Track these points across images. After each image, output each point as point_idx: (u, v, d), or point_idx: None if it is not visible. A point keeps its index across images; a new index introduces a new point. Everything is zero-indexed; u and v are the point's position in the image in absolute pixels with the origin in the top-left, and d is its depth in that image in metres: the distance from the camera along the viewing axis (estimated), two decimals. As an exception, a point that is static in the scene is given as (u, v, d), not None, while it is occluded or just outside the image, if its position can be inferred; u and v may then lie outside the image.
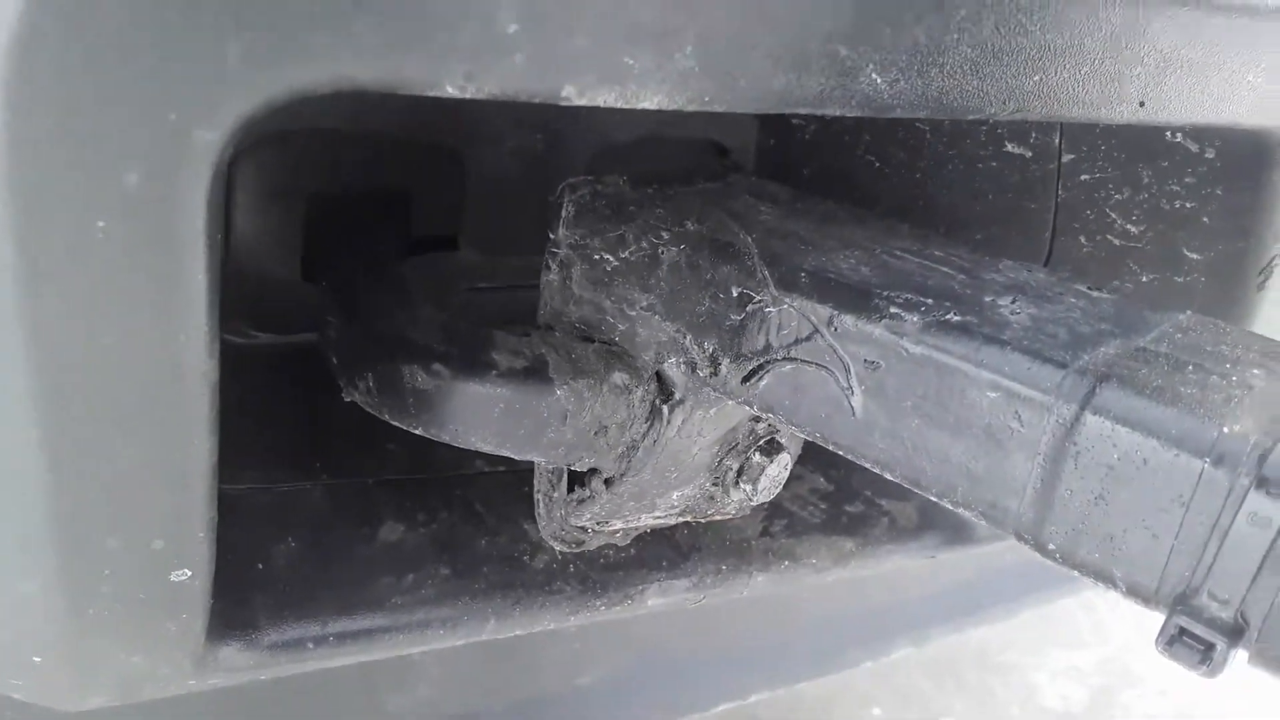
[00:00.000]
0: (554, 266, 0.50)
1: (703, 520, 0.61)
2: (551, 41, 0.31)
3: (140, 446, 0.35)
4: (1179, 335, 0.42)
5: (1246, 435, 0.34)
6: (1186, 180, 0.53)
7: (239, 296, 0.61)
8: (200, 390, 0.35)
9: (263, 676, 0.56)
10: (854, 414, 0.42)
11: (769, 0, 0.33)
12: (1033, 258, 0.61)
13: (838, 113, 0.37)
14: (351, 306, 0.53)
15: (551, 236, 0.50)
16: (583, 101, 0.33)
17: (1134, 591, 0.36)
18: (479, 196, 0.62)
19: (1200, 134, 0.50)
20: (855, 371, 0.42)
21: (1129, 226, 0.56)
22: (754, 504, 0.57)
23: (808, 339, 0.43)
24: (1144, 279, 0.58)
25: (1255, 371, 0.39)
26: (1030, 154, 0.57)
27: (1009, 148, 0.57)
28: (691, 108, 0.35)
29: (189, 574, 0.41)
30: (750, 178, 0.57)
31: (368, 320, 0.52)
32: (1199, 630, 0.34)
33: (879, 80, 0.36)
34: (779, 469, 0.54)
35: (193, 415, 0.35)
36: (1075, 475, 0.37)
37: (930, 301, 0.42)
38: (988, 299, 0.43)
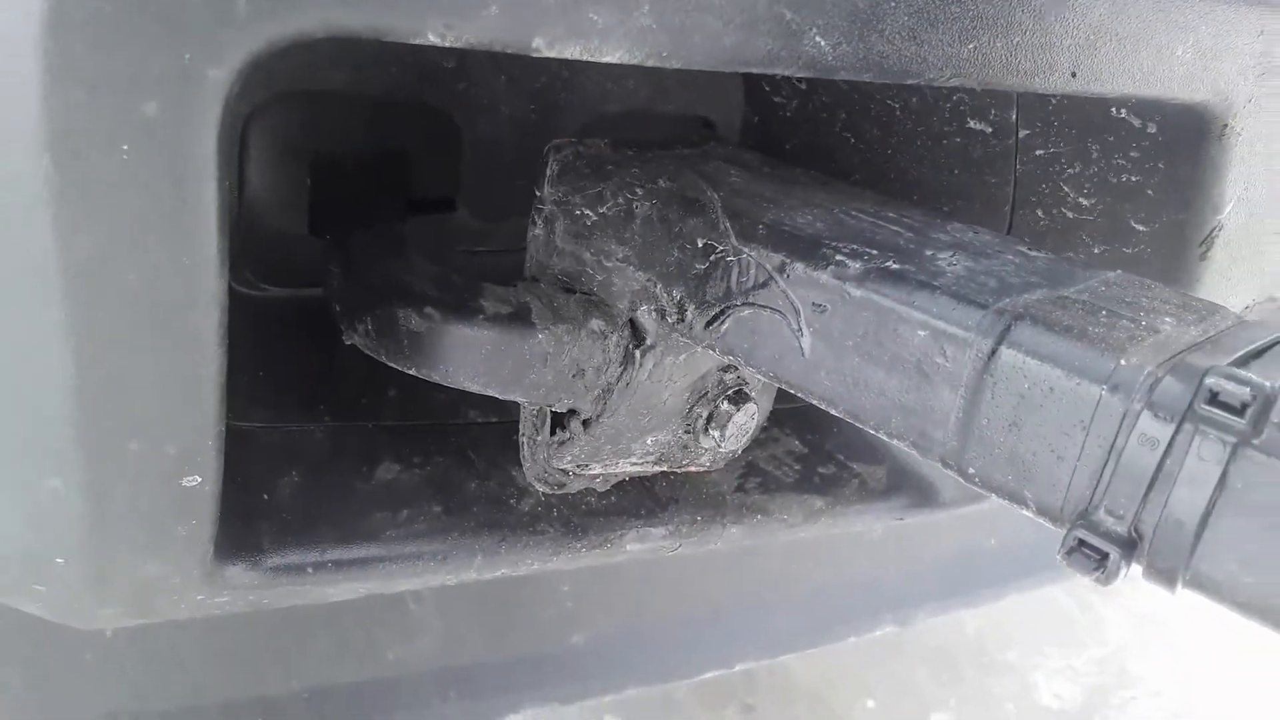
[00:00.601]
0: (539, 222, 0.55)
1: (679, 470, 0.65)
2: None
3: (158, 357, 0.40)
4: (1102, 288, 0.45)
5: (1141, 366, 0.37)
6: (1131, 154, 0.56)
7: (251, 251, 0.66)
8: (211, 307, 0.39)
9: (265, 600, 0.60)
10: (803, 354, 0.46)
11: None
12: (994, 229, 0.64)
13: (786, 73, 0.41)
14: (353, 258, 0.58)
15: (537, 194, 0.54)
16: (551, 53, 0.37)
17: (1042, 510, 0.40)
18: (475, 165, 0.66)
19: (1142, 109, 0.54)
20: (805, 315, 0.46)
21: (1081, 199, 0.59)
22: (723, 453, 0.61)
23: (764, 285, 0.47)
24: (1096, 250, 0.61)
25: (1167, 320, 0.42)
26: (990, 130, 0.60)
27: (971, 124, 0.61)
28: (650, 63, 0.39)
29: (199, 480, 0.45)
30: (728, 146, 0.61)
31: (367, 269, 0.56)
32: (1095, 542, 0.38)
33: (823, 43, 0.40)
34: (746, 417, 0.58)
35: (204, 330, 0.40)
36: (992, 404, 0.41)
37: (874, 252, 0.46)
38: (928, 253, 0.47)
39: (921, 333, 0.42)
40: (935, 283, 0.43)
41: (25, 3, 0.31)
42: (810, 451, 0.74)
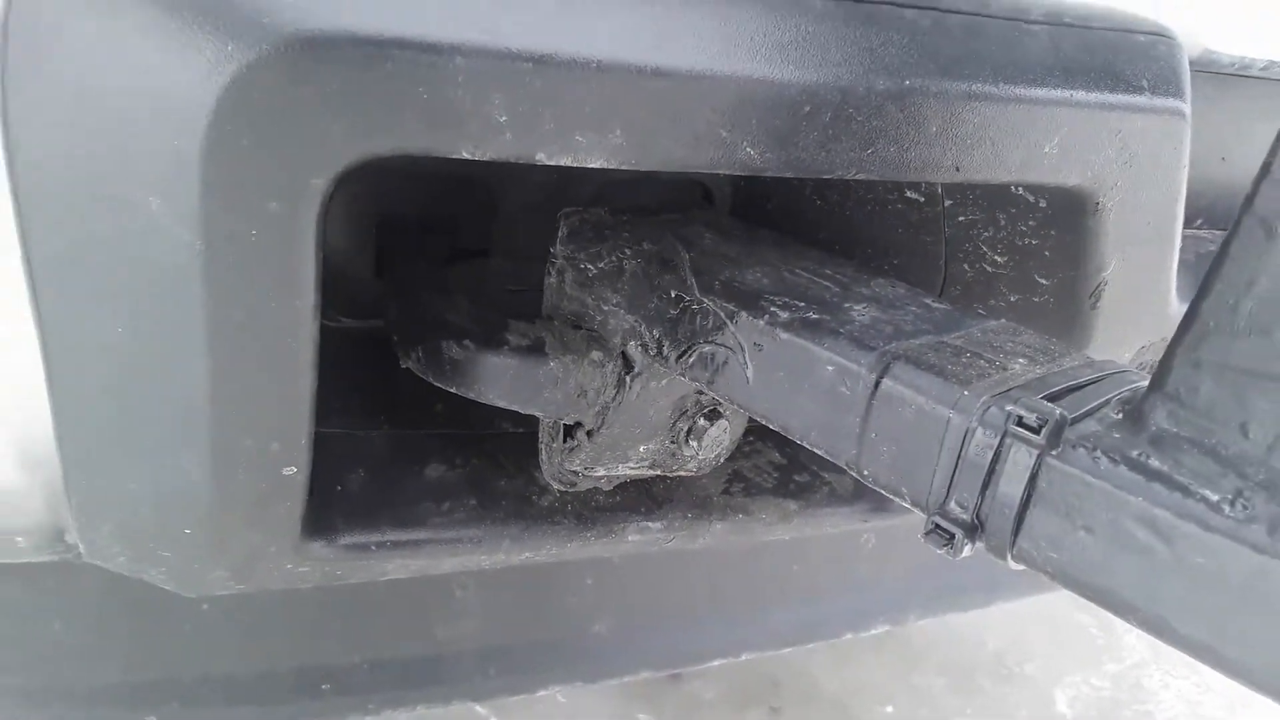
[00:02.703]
0: (553, 273, 0.70)
1: (670, 474, 0.79)
2: (528, 126, 0.50)
3: (269, 376, 0.55)
4: (978, 334, 0.59)
5: (978, 396, 0.51)
6: (1030, 223, 0.69)
7: (330, 290, 0.82)
8: (308, 341, 0.54)
9: (338, 573, 0.75)
10: (748, 382, 0.60)
11: (671, 100, 0.52)
12: (933, 280, 0.78)
13: (726, 172, 0.55)
14: (408, 298, 0.73)
15: (551, 251, 0.69)
16: (551, 163, 0.52)
17: (915, 503, 0.54)
18: (508, 223, 0.81)
19: (1032, 188, 0.67)
20: (748, 352, 0.60)
21: (996, 257, 0.73)
22: (704, 460, 0.76)
23: (719, 329, 0.61)
24: (1012, 299, 0.74)
25: (1019, 360, 0.56)
26: (923, 199, 0.74)
27: (908, 194, 0.74)
28: (623, 168, 0.53)
29: (295, 470, 0.60)
30: (709, 211, 0.76)
31: (418, 307, 0.72)
32: (947, 526, 0.51)
33: (752, 152, 0.55)
34: (719, 431, 0.72)
35: (302, 357, 0.55)
36: (878, 423, 0.54)
37: (802, 304, 0.60)
38: (846, 305, 0.61)
39: (829, 368, 0.56)
40: (842, 330, 0.57)
41: (190, 139, 0.46)
42: (788, 462, 0.88)
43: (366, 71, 0.46)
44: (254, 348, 0.53)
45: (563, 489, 0.76)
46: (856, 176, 0.57)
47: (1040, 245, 0.70)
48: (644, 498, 0.81)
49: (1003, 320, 0.62)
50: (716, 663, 1.26)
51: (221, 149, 0.46)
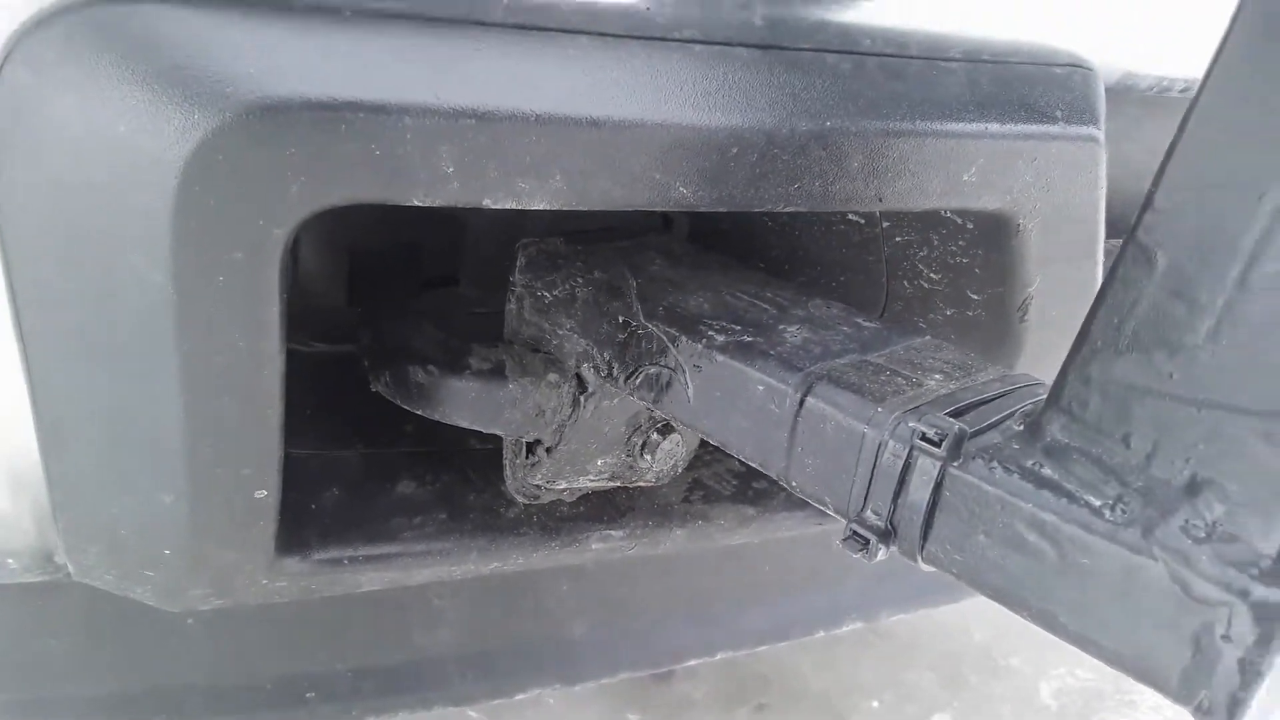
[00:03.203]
0: (512, 300, 0.74)
1: (630, 485, 0.83)
2: (473, 176, 0.54)
3: (238, 405, 0.59)
4: (901, 352, 0.63)
5: (890, 412, 0.55)
6: (960, 243, 0.74)
7: (304, 318, 0.86)
8: (274, 371, 0.59)
9: (313, 587, 0.79)
10: (690, 401, 0.65)
11: (606, 147, 0.56)
12: (876, 296, 0.82)
13: (662, 209, 0.60)
14: (378, 325, 0.78)
15: (511, 280, 0.74)
16: (496, 206, 0.56)
17: (837, 510, 0.58)
18: (475, 251, 0.85)
19: (959, 213, 0.72)
20: (689, 373, 0.64)
21: (931, 275, 0.77)
22: (660, 471, 0.80)
23: (663, 352, 0.65)
24: (948, 313, 0.79)
25: (935, 377, 0.60)
26: (863, 221, 0.78)
27: (850, 216, 0.79)
28: (565, 209, 0.58)
29: (266, 492, 0.64)
30: (663, 236, 0.80)
31: (387, 334, 0.76)
32: (863, 532, 0.56)
33: (685, 191, 0.59)
34: (672, 445, 0.77)
35: (269, 386, 0.59)
36: (803, 438, 0.58)
37: (738, 328, 0.64)
38: (781, 327, 0.65)
39: (760, 388, 0.60)
40: (773, 351, 0.61)
41: (162, 198, 0.50)
42: (746, 470, 0.92)
43: (321, 133, 0.50)
44: (224, 382, 0.57)
45: (527, 502, 0.81)
46: (785, 209, 0.62)
47: (970, 264, 0.74)
48: (607, 507, 0.86)
49: (928, 337, 0.66)
50: (693, 662, 1.30)
51: (190, 206, 0.50)
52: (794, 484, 0.60)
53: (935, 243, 0.75)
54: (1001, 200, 0.68)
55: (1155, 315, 0.49)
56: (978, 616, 2.24)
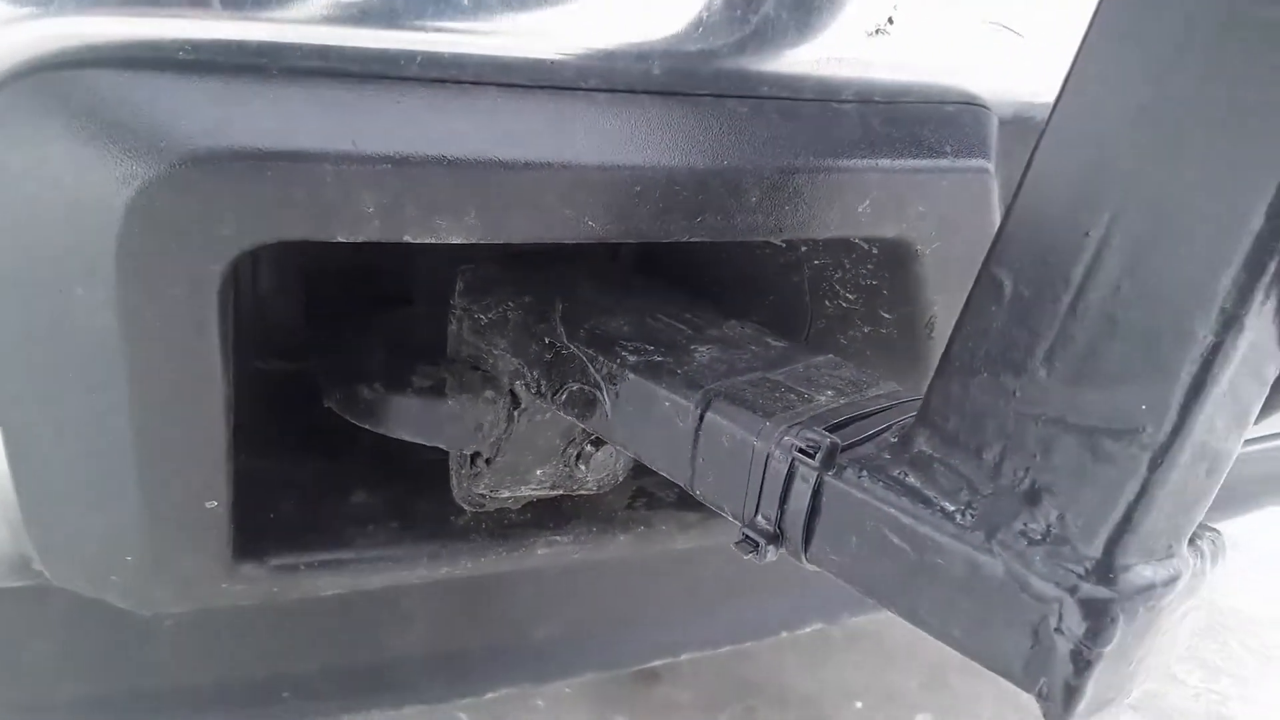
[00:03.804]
0: (453, 321, 0.79)
1: (573, 493, 0.88)
2: (392, 215, 0.60)
3: (186, 429, 0.65)
4: (800, 370, 0.68)
5: (776, 426, 0.60)
6: (869, 266, 0.79)
7: (262, 337, 0.92)
8: (217, 395, 0.64)
9: (273, 590, 0.85)
10: (608, 417, 0.70)
11: (515, 187, 0.62)
12: (802, 315, 0.88)
13: (573, 241, 0.65)
14: (330, 344, 0.83)
15: (451, 303, 0.79)
16: (415, 242, 0.62)
17: (734, 516, 0.63)
18: (428, 271, 0.91)
19: (863, 239, 0.77)
20: (606, 390, 0.69)
21: (848, 295, 0.82)
22: (596, 480, 0.85)
23: (584, 370, 0.71)
24: (865, 331, 0.84)
25: (827, 393, 0.65)
26: (784, 245, 0.84)
27: (774, 240, 0.84)
28: (480, 242, 0.63)
29: (216, 503, 0.70)
30: (598, 260, 0.86)
31: (339, 353, 0.82)
32: (754, 535, 0.61)
33: (593, 224, 0.64)
34: (605, 455, 0.82)
35: (214, 408, 0.65)
36: (705, 451, 0.64)
37: (651, 348, 0.70)
38: (692, 346, 0.70)
39: (667, 404, 0.66)
40: (679, 370, 0.67)
41: (107, 239, 0.56)
42: (688, 479, 0.97)
43: (248, 179, 0.56)
44: (170, 403, 0.63)
45: (474, 510, 0.86)
46: (690, 239, 0.67)
47: (880, 285, 0.79)
48: (552, 514, 0.91)
49: (830, 356, 0.71)
50: (657, 662, 1.35)
51: (131, 246, 0.56)
52: (699, 492, 0.65)
53: (848, 266, 0.80)
54: (898, 228, 0.73)
55: (1003, 340, 0.55)
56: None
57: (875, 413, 0.63)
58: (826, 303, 0.84)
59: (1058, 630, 0.50)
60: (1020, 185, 0.55)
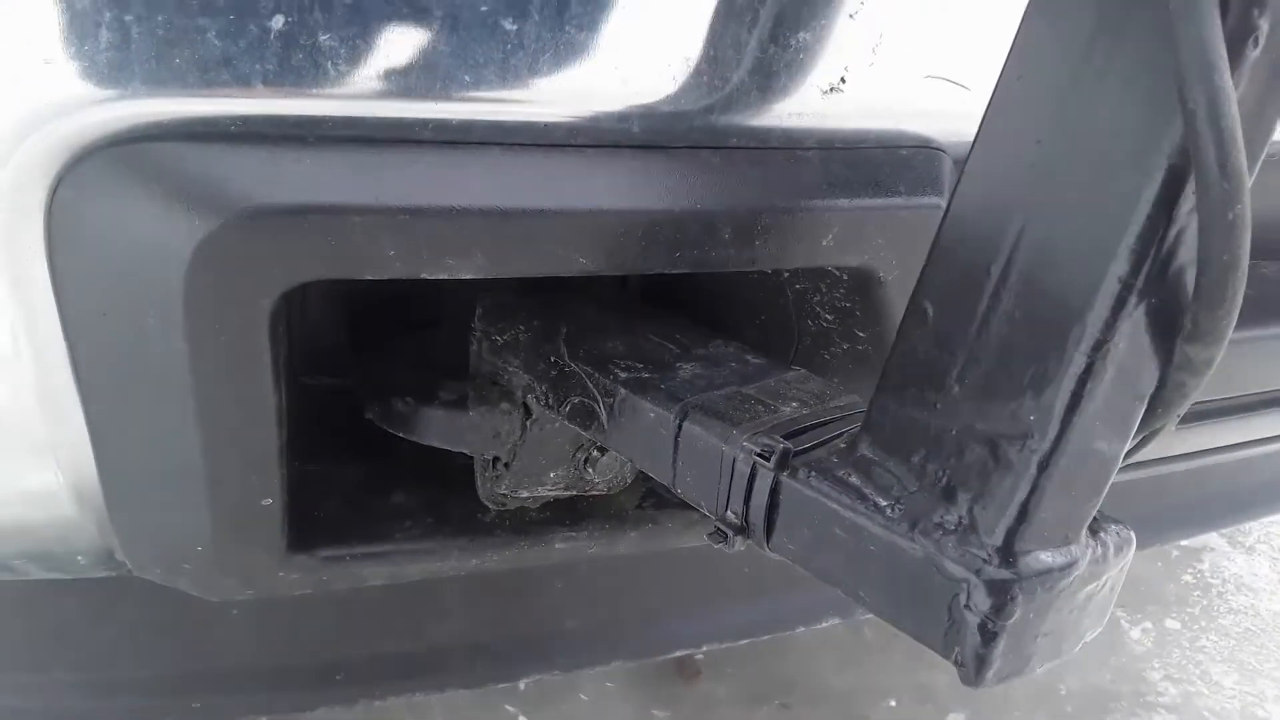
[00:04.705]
0: (473, 342, 0.90)
1: (585, 493, 0.99)
2: (410, 256, 0.71)
3: (244, 436, 0.76)
4: (772, 384, 0.78)
5: (743, 435, 0.70)
6: (842, 290, 0.88)
7: (313, 357, 1.04)
8: (270, 407, 0.75)
9: (322, 578, 0.96)
10: (604, 426, 0.80)
11: (514, 230, 0.72)
12: (789, 335, 0.97)
13: (564, 275, 0.75)
14: (369, 363, 0.95)
15: (472, 326, 0.90)
16: (430, 278, 0.72)
17: (710, 512, 0.73)
18: (454, 299, 1.02)
19: (834, 267, 0.86)
20: (603, 403, 0.80)
21: (826, 316, 0.92)
22: (605, 481, 0.95)
23: (583, 386, 0.81)
24: (844, 348, 0.93)
25: (792, 405, 0.75)
26: (769, 271, 0.93)
27: (747, 270, 0.93)
28: (486, 277, 0.74)
29: (271, 501, 0.82)
30: (606, 287, 0.96)
31: (376, 371, 0.93)
32: (723, 528, 0.70)
33: (584, 260, 0.74)
34: (610, 459, 0.92)
35: (268, 421, 0.76)
36: (683, 455, 0.73)
37: (641, 366, 0.80)
38: (677, 364, 0.80)
39: (652, 415, 0.76)
40: (663, 386, 0.77)
41: (176, 279, 0.68)
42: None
43: (291, 230, 0.67)
44: (231, 416, 0.74)
45: (497, 508, 0.97)
46: (672, 271, 0.77)
47: (853, 307, 0.88)
48: (569, 512, 1.01)
49: (800, 371, 0.81)
50: (679, 653, 1.45)
51: (196, 285, 0.67)
52: (680, 491, 0.75)
53: (825, 290, 0.89)
54: (859, 259, 0.81)
55: (926, 361, 0.64)
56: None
57: (830, 422, 0.72)
58: (809, 322, 0.94)
59: (967, 607, 0.59)
60: (940, 225, 0.64)
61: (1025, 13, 0.59)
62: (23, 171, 0.66)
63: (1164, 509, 1.84)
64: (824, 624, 1.54)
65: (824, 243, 0.79)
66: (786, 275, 0.91)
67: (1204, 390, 1.14)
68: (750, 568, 1.44)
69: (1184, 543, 2.76)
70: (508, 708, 1.84)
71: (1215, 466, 1.62)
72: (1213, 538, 2.82)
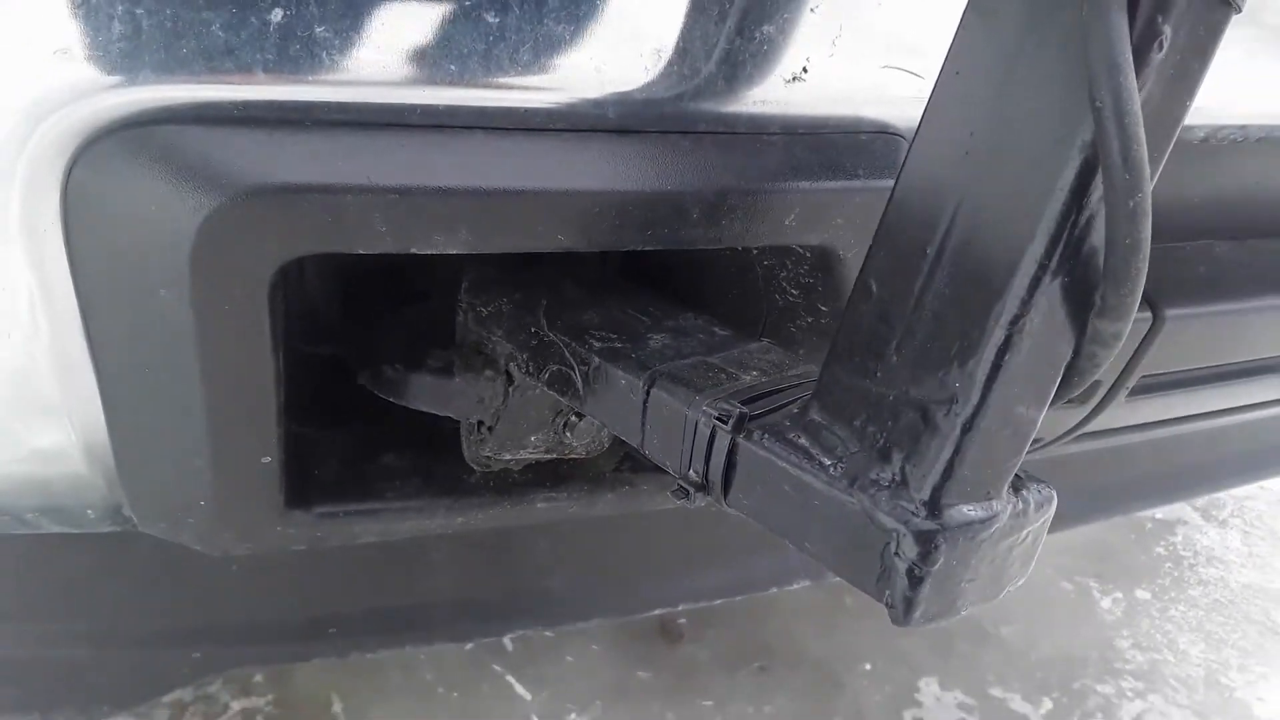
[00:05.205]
0: (460, 313, 0.96)
1: (564, 456, 1.05)
2: (400, 232, 0.76)
3: (244, 398, 0.82)
4: (735, 354, 0.84)
5: (704, 400, 0.76)
6: (805, 267, 0.94)
7: (310, 326, 1.10)
8: (269, 371, 0.81)
9: (317, 534, 1.02)
10: (580, 392, 0.86)
11: (497, 209, 0.78)
12: (759, 309, 1.03)
13: (544, 250, 0.81)
14: (363, 332, 1.01)
15: (459, 297, 0.96)
16: (420, 253, 0.78)
17: (674, 471, 0.79)
18: (443, 271, 1.08)
19: (798, 245, 0.92)
20: (579, 371, 0.86)
21: (792, 291, 0.98)
22: (584, 445, 1.02)
23: (561, 354, 0.87)
24: (809, 321, 0.99)
25: (753, 373, 0.81)
26: (739, 248, 0.99)
27: (715, 248, 0.98)
28: (472, 252, 0.79)
29: (269, 459, 0.88)
30: (584, 264, 1.02)
31: (369, 340, 0.99)
32: (685, 485, 0.77)
33: (562, 237, 0.80)
34: (587, 424, 0.98)
35: (268, 384, 0.82)
36: (651, 420, 0.79)
37: (614, 336, 0.86)
38: (649, 335, 0.86)
39: (623, 382, 0.82)
40: (634, 355, 0.83)
41: (183, 252, 0.73)
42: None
43: (289, 206, 0.73)
44: (233, 380, 0.80)
45: (482, 470, 1.03)
46: (644, 248, 0.83)
47: (815, 283, 0.94)
48: (550, 474, 1.07)
49: (764, 342, 0.87)
50: (658, 611, 1.51)
51: (201, 257, 0.73)
52: (648, 452, 0.81)
53: (790, 266, 0.95)
54: (821, 238, 0.87)
55: (869, 333, 0.70)
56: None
57: (786, 389, 0.78)
58: (777, 297, 1.00)
59: (896, 554, 0.65)
60: (885, 208, 0.70)
61: (963, 12, 0.65)
62: (40, 153, 0.71)
63: (1134, 478, 1.90)
64: (796, 585, 1.60)
65: (786, 222, 0.85)
66: (755, 252, 0.97)
67: (1160, 363, 1.19)
68: (724, 531, 1.50)
69: (1158, 516, 2.84)
70: (495, 668, 1.90)
71: (1183, 437, 1.68)
72: (1187, 512, 2.89)
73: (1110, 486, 1.83)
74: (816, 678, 2.02)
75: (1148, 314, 1.07)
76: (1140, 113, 0.55)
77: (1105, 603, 2.41)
